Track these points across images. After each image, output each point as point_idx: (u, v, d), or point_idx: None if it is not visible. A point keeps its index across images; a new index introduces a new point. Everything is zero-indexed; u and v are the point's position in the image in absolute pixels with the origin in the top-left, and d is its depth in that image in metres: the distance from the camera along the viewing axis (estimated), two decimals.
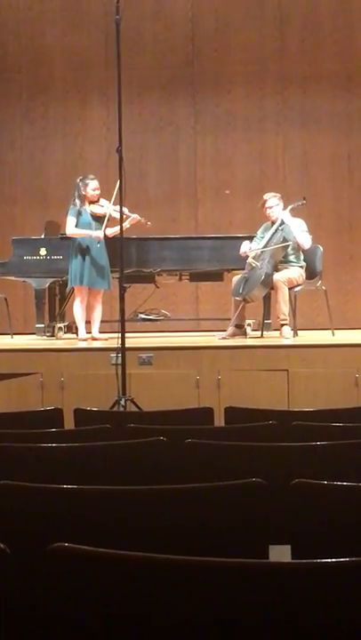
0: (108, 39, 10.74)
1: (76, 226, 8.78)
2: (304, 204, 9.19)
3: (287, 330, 8.66)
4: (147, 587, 2.01)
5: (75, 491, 3.00)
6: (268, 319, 9.25)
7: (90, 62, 11.66)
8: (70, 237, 8.88)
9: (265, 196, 9.11)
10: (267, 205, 9.02)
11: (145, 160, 11.60)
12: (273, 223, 8.94)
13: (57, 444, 4.08)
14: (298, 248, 8.94)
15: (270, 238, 8.84)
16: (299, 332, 8.92)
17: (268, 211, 9.01)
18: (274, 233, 8.85)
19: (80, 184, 8.89)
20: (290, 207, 9.05)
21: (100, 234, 8.72)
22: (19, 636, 2.34)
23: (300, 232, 8.90)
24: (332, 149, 11.52)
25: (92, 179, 8.94)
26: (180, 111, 11.69)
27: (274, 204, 9.00)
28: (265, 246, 8.80)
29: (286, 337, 8.60)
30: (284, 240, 8.78)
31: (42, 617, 2.19)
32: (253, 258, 8.72)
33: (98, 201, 8.89)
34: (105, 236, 8.78)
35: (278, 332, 8.78)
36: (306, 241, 8.93)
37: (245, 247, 8.88)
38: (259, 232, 9.08)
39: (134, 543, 2.31)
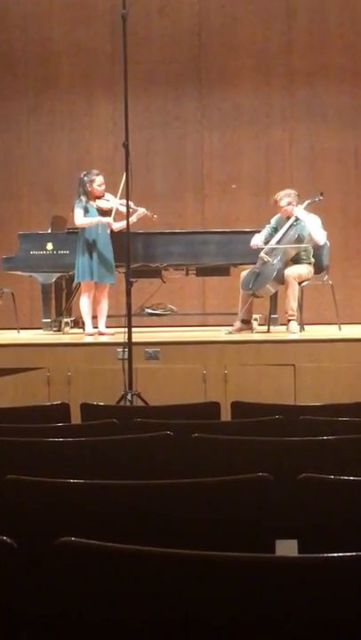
0: (115, 34, 10.74)
1: None
2: (321, 200, 9.15)
3: (294, 325, 8.65)
4: (153, 581, 2.01)
5: (81, 485, 3.01)
6: (275, 314, 9.25)
7: (96, 57, 11.65)
8: (77, 232, 8.87)
9: (276, 196, 9.05)
10: (280, 205, 8.97)
11: (152, 155, 11.60)
12: (288, 218, 8.91)
13: (63, 438, 4.08)
14: (309, 245, 8.91)
15: (284, 234, 8.82)
16: (305, 326, 8.91)
17: (283, 209, 8.95)
18: (288, 229, 8.83)
19: (85, 180, 8.86)
20: (306, 202, 9.02)
21: (110, 220, 8.71)
22: (25, 629, 2.35)
23: (316, 228, 8.87)
24: (339, 144, 11.50)
25: (97, 174, 8.91)
26: (186, 106, 11.68)
27: (285, 204, 8.95)
28: (279, 242, 8.79)
29: (293, 332, 8.59)
30: (299, 237, 8.75)
31: (48, 611, 2.20)
32: (266, 253, 8.71)
33: (103, 196, 8.88)
34: (111, 230, 8.78)
35: (285, 326, 8.77)
36: (321, 237, 8.92)
37: (256, 240, 8.86)
38: (272, 221, 9.03)
39: (141, 537, 2.31)
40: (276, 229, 8.95)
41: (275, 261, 8.64)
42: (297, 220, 8.82)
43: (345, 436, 3.98)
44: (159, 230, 9.41)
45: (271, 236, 8.94)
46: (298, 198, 9.01)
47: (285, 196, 8.98)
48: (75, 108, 11.73)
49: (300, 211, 8.89)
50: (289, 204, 8.92)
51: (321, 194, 9.15)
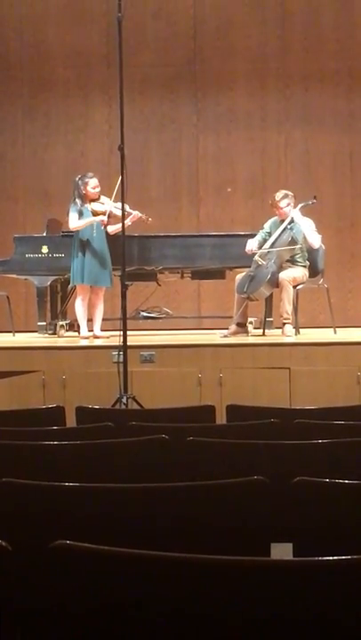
0: (110, 37, 10.74)
1: None
2: (314, 204, 9.15)
3: (289, 328, 8.66)
4: (148, 584, 2.01)
5: (76, 488, 3.01)
6: (270, 317, 9.25)
7: (92, 60, 11.66)
8: (72, 235, 8.87)
9: (276, 196, 9.03)
10: (279, 206, 8.95)
11: (147, 158, 11.60)
12: (282, 220, 8.91)
13: (59, 441, 4.08)
14: (304, 248, 8.91)
15: (278, 237, 8.81)
16: (301, 330, 8.92)
17: (280, 210, 8.94)
18: (282, 232, 8.82)
19: (79, 183, 8.86)
20: (300, 206, 9.02)
21: (103, 217, 8.70)
22: (20, 633, 2.35)
23: (310, 231, 8.88)
24: (334, 147, 11.51)
25: (92, 177, 8.92)
26: (182, 109, 11.68)
27: (284, 205, 8.93)
28: (273, 245, 8.79)
29: (288, 335, 8.59)
30: (293, 240, 8.75)
31: (43, 614, 2.20)
32: (260, 256, 8.71)
33: (98, 199, 8.88)
34: (107, 233, 8.79)
35: (280, 330, 8.77)
36: (316, 240, 8.93)
37: (251, 245, 8.86)
38: (266, 226, 9.02)
39: (136, 541, 2.31)
40: (270, 234, 8.95)
41: (269, 264, 8.65)
42: (291, 222, 8.83)
43: (340, 440, 3.98)
44: (154, 233, 9.41)
45: (265, 240, 8.94)
46: (294, 200, 9.02)
47: (284, 198, 8.97)
48: (70, 111, 11.73)
49: (296, 213, 8.90)
50: (288, 205, 8.93)
51: (314, 197, 9.15)
